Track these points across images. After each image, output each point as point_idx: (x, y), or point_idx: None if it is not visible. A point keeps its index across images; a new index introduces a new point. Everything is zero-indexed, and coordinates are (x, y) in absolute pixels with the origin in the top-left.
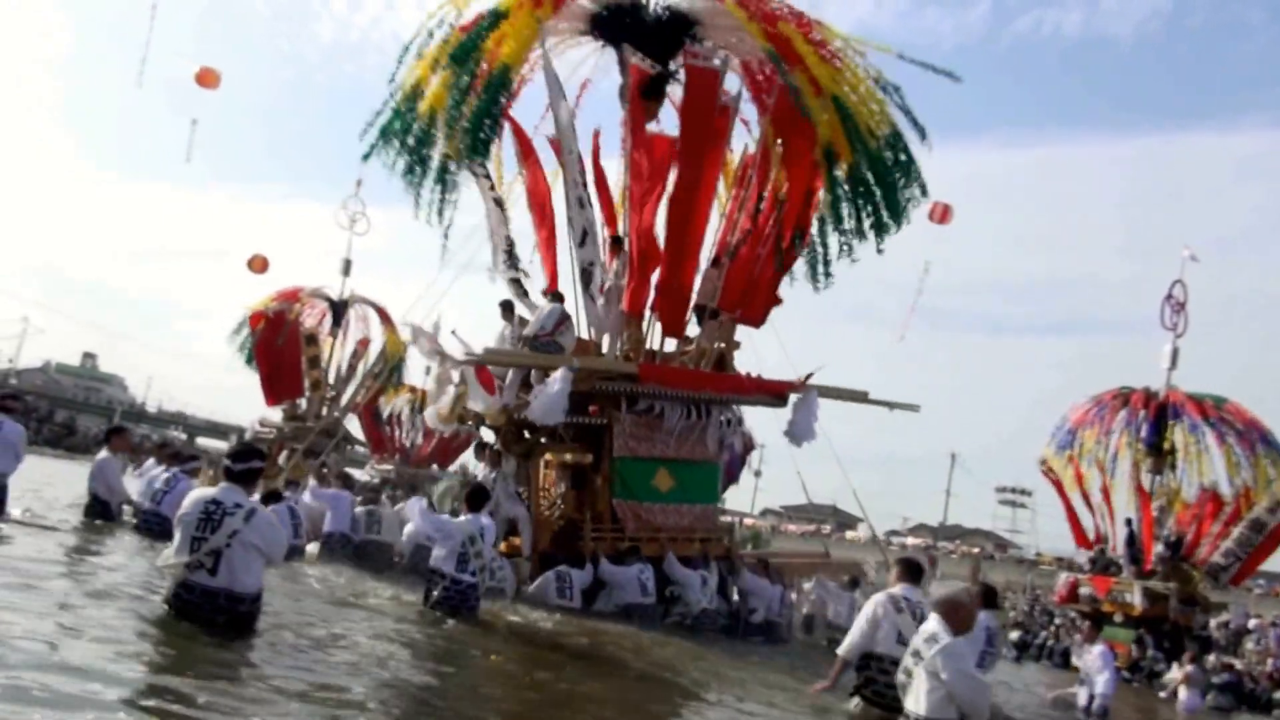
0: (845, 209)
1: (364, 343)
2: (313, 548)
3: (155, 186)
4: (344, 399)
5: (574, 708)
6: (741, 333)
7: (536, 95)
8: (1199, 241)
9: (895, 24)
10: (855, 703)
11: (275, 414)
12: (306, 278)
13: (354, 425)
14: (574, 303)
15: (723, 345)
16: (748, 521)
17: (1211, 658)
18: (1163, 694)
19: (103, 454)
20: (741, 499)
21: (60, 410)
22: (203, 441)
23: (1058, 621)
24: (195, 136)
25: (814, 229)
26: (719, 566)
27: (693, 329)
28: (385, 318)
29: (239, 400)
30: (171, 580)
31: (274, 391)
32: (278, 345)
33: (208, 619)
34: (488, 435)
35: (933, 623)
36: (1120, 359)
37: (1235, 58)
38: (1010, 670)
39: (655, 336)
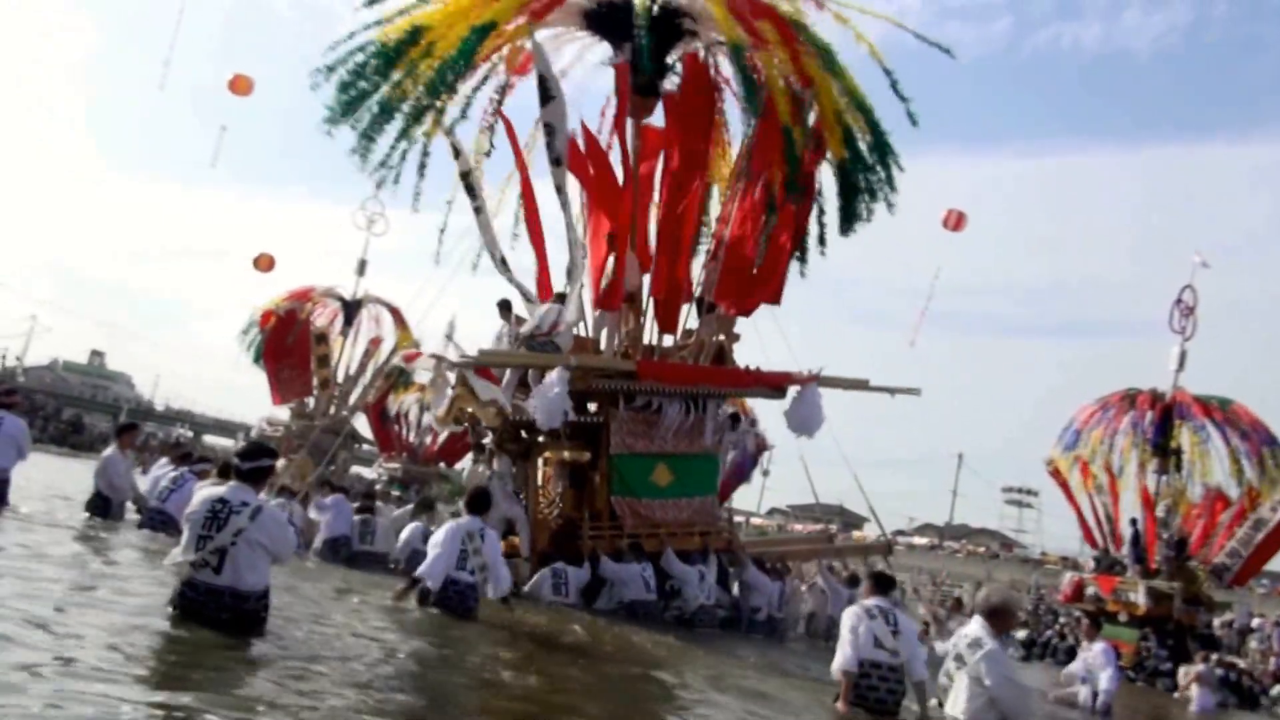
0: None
1: (375, 342)
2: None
3: (171, 186)
4: (352, 398)
5: (568, 709)
6: (749, 334)
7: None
8: (1209, 248)
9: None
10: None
11: (283, 413)
12: (323, 279)
13: (362, 424)
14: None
15: (722, 338)
16: (755, 521)
17: (1214, 656)
18: (1175, 694)
19: (110, 450)
20: (749, 498)
21: (67, 408)
22: (209, 440)
23: (1062, 620)
24: (222, 143)
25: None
26: (720, 559)
27: (693, 321)
28: (398, 317)
29: (247, 398)
30: (177, 579)
31: (281, 390)
32: (287, 344)
33: (212, 617)
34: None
35: (976, 626)
36: (1127, 361)
37: (1250, 71)
38: (1016, 669)
39: (654, 331)
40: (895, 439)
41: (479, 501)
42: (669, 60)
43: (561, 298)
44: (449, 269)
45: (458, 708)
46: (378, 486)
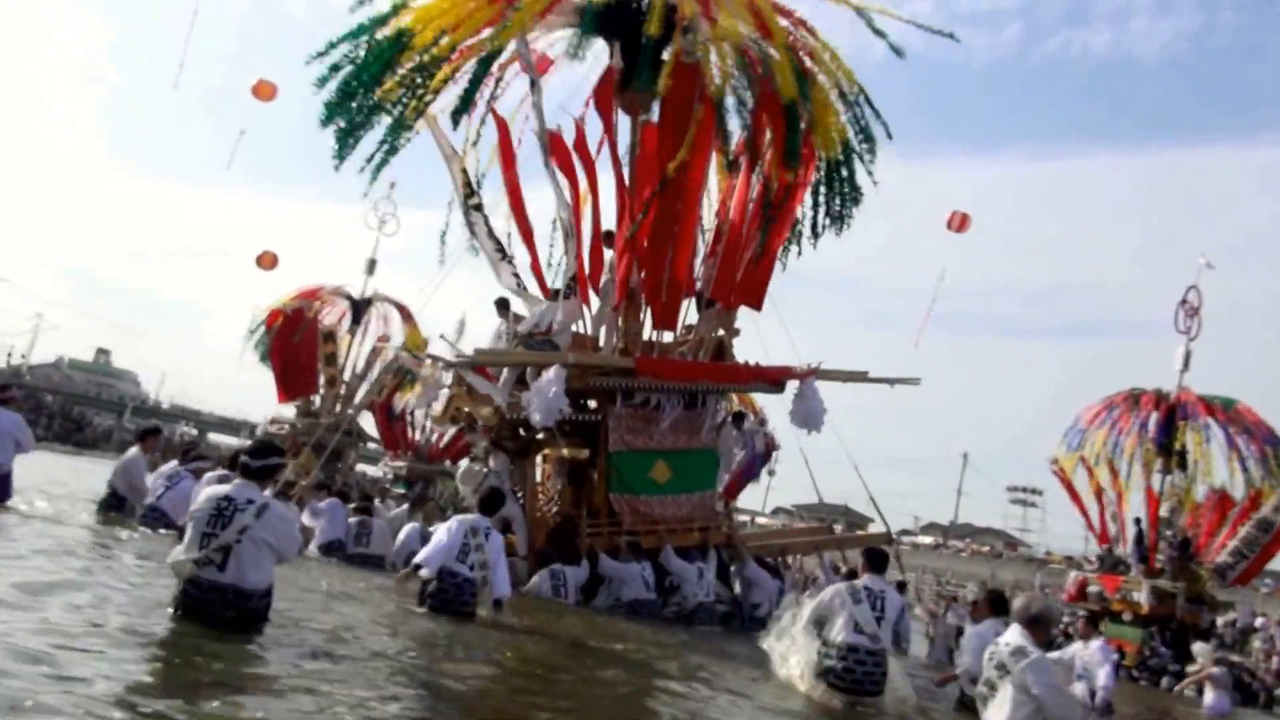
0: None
1: (383, 340)
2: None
3: (181, 185)
4: (358, 396)
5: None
6: (751, 334)
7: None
8: (1213, 250)
9: (927, 41)
10: (820, 690)
11: (288, 410)
12: (332, 278)
13: (368, 423)
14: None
15: (722, 333)
16: (760, 520)
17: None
18: (1189, 693)
19: (133, 452)
20: (754, 498)
21: (72, 406)
22: (214, 438)
23: (1067, 620)
24: (239, 146)
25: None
26: (720, 555)
27: (693, 317)
28: (407, 316)
29: (254, 396)
30: (179, 577)
31: (287, 388)
32: (294, 342)
33: (215, 615)
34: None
35: (1016, 635)
36: (1131, 361)
37: (1255, 77)
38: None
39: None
40: (901, 439)
41: (491, 503)
42: (664, 56)
43: (559, 294)
44: (450, 268)
45: (458, 707)
46: (387, 482)
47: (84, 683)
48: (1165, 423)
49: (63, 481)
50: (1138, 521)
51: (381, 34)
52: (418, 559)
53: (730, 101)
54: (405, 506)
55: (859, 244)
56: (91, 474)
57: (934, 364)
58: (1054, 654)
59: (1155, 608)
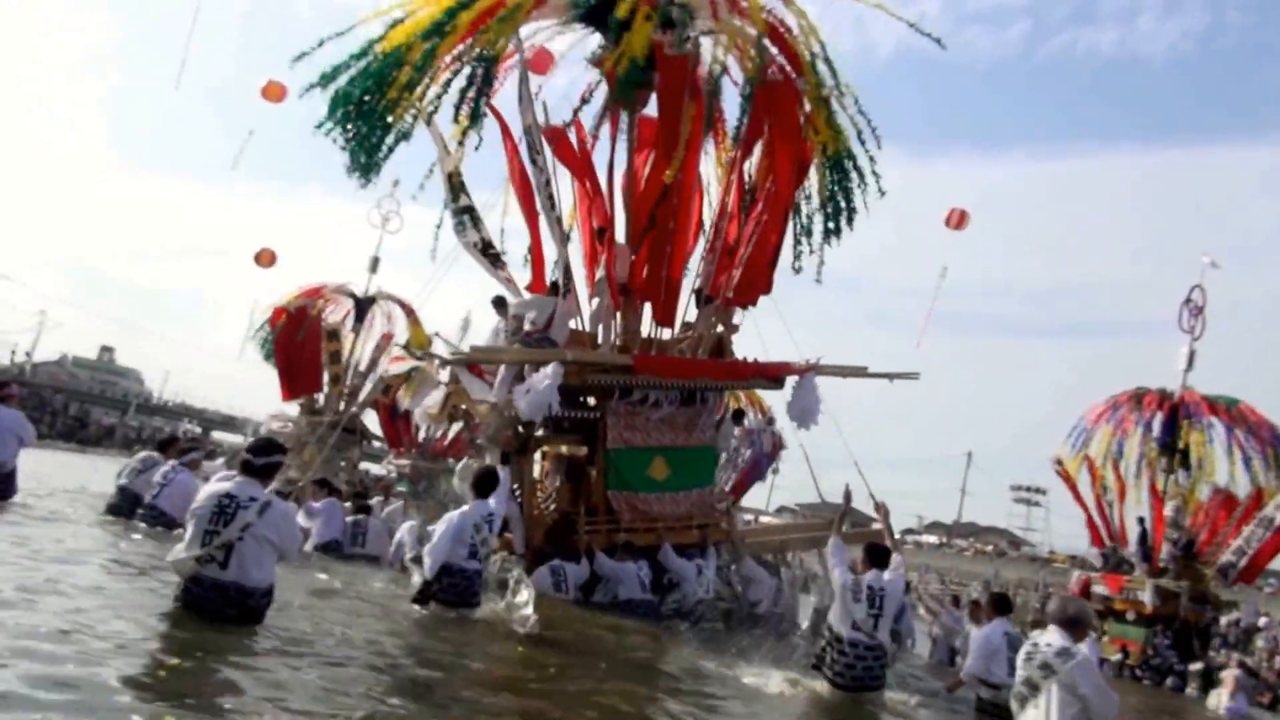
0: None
1: (387, 338)
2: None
3: (185, 183)
4: (362, 394)
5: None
6: (752, 334)
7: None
8: (1217, 250)
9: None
10: (822, 683)
11: (292, 408)
12: (335, 276)
13: (372, 420)
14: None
15: (721, 329)
16: (764, 519)
17: (1236, 658)
18: (1210, 702)
19: (149, 455)
20: (758, 496)
21: (75, 403)
22: (218, 435)
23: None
24: (246, 147)
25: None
26: (719, 552)
27: (692, 313)
28: (410, 314)
29: (258, 394)
30: (181, 575)
31: (291, 386)
32: (298, 340)
33: (217, 612)
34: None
35: (1057, 636)
36: (1135, 361)
37: (1261, 77)
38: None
39: (652, 324)
40: (905, 438)
41: (486, 483)
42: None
43: (555, 288)
44: (448, 266)
45: (457, 707)
46: (390, 480)
47: (86, 682)
48: (1169, 422)
49: (66, 479)
50: (1141, 521)
51: (377, 52)
52: (427, 569)
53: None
54: (400, 504)
55: (863, 244)
56: (95, 472)
57: (938, 363)
58: None
59: (1159, 607)
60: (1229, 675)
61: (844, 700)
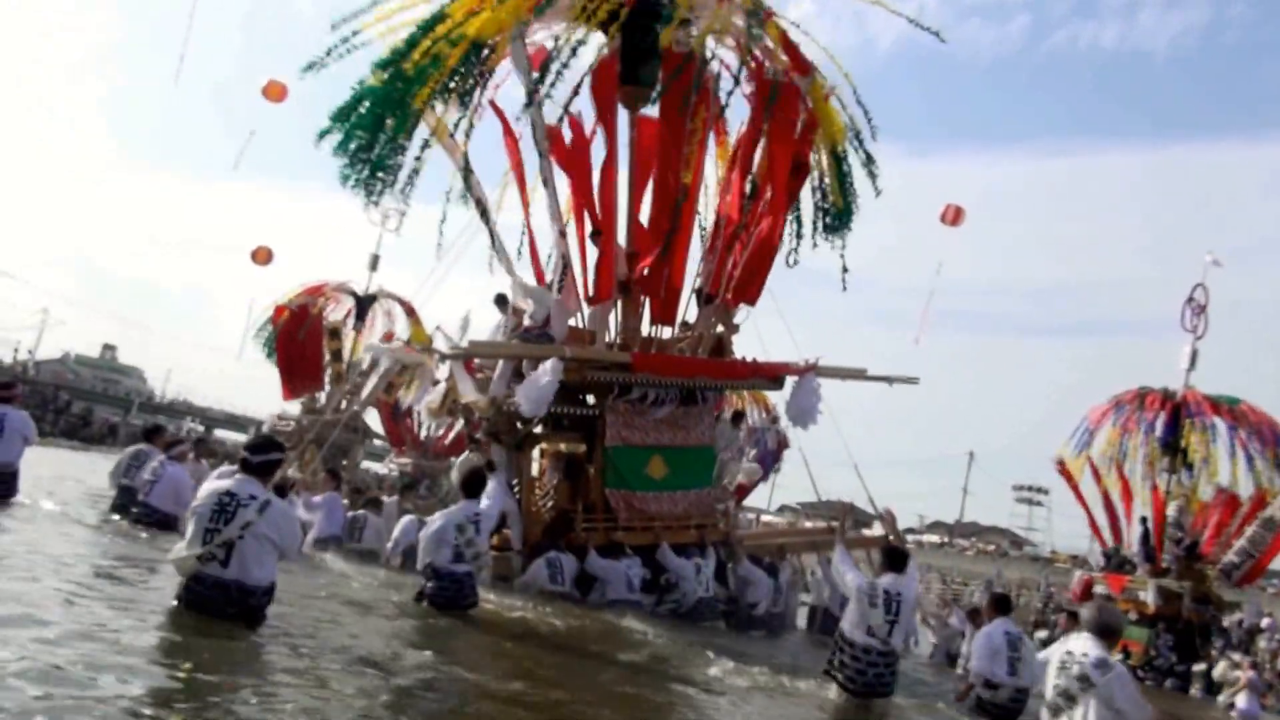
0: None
1: (388, 337)
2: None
3: (187, 180)
4: (364, 393)
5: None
6: (752, 333)
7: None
8: (1221, 248)
9: (935, 36)
10: (833, 689)
11: (294, 407)
12: (338, 273)
13: (373, 419)
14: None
15: (721, 330)
16: (765, 518)
17: (1240, 659)
18: (1220, 698)
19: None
20: (760, 495)
21: (78, 401)
22: (220, 434)
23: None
24: (248, 146)
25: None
26: (718, 553)
27: (693, 313)
28: (410, 312)
29: (260, 392)
30: (182, 573)
31: (293, 385)
32: (299, 338)
33: (219, 611)
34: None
35: (1093, 645)
36: (1138, 360)
37: (1267, 73)
38: None
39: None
40: (906, 438)
41: (474, 483)
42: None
43: (552, 286)
44: (454, 264)
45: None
46: (393, 479)
47: (88, 681)
48: (1171, 422)
49: (69, 477)
50: (1143, 521)
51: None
52: (422, 570)
53: (725, 87)
54: (395, 498)
55: (865, 242)
56: (97, 470)
57: (940, 362)
58: (1041, 654)
59: (1161, 607)
60: (1241, 677)
61: (852, 705)
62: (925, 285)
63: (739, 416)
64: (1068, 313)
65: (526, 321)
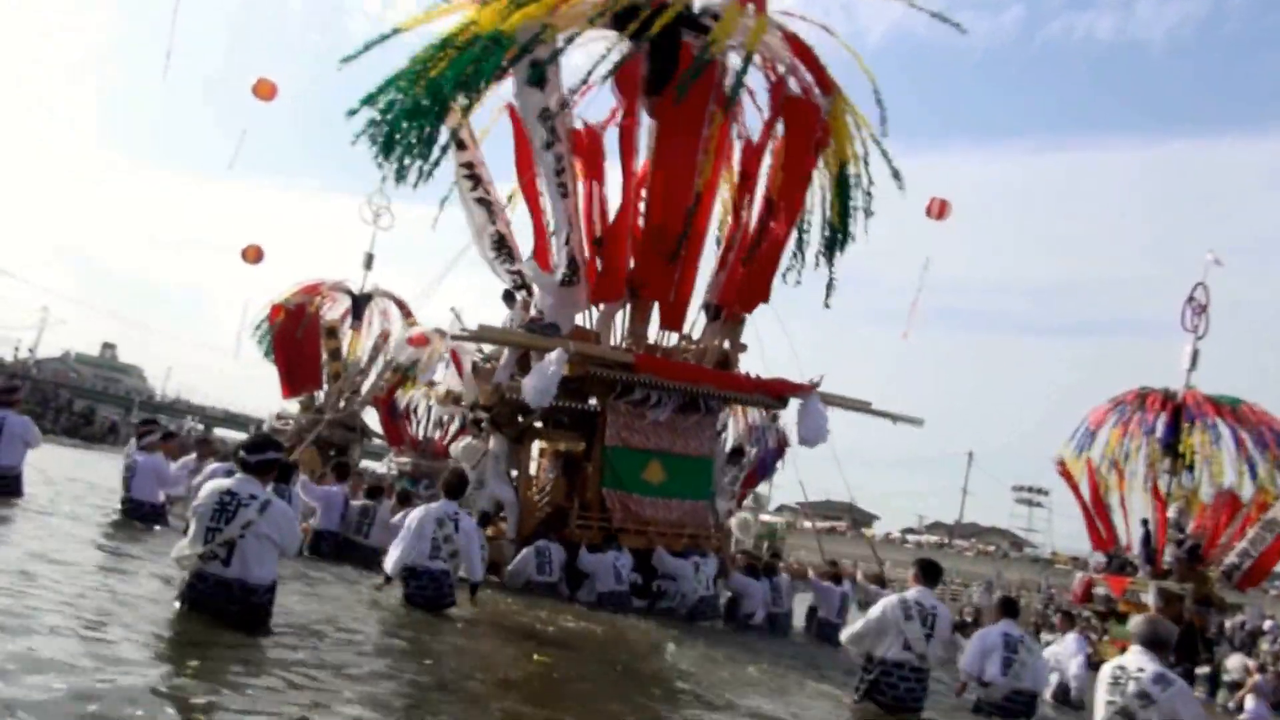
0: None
1: (384, 335)
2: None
3: (183, 178)
4: (362, 392)
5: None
6: (750, 335)
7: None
8: (1224, 246)
9: (929, 27)
10: (864, 704)
11: (293, 406)
12: (335, 271)
13: (371, 418)
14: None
15: (728, 346)
16: (764, 518)
17: (1236, 658)
18: (1230, 704)
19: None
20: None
21: (78, 400)
22: (220, 432)
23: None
24: (242, 146)
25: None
26: (722, 561)
27: (697, 325)
28: (406, 311)
29: (259, 391)
30: (184, 572)
31: (291, 383)
32: (297, 338)
33: (220, 609)
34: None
35: (1148, 660)
36: (1139, 359)
37: (1267, 65)
38: None
39: (660, 331)
40: (905, 438)
41: (455, 486)
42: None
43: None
44: (453, 264)
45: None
46: (391, 478)
47: (90, 682)
48: (1172, 423)
49: (71, 477)
50: (1144, 523)
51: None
52: (388, 568)
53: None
54: (392, 501)
55: (864, 242)
56: (98, 468)
57: (939, 361)
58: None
59: (1162, 609)
60: (1249, 680)
61: (876, 715)
62: (927, 283)
63: (738, 453)
64: (1068, 311)
65: (533, 313)
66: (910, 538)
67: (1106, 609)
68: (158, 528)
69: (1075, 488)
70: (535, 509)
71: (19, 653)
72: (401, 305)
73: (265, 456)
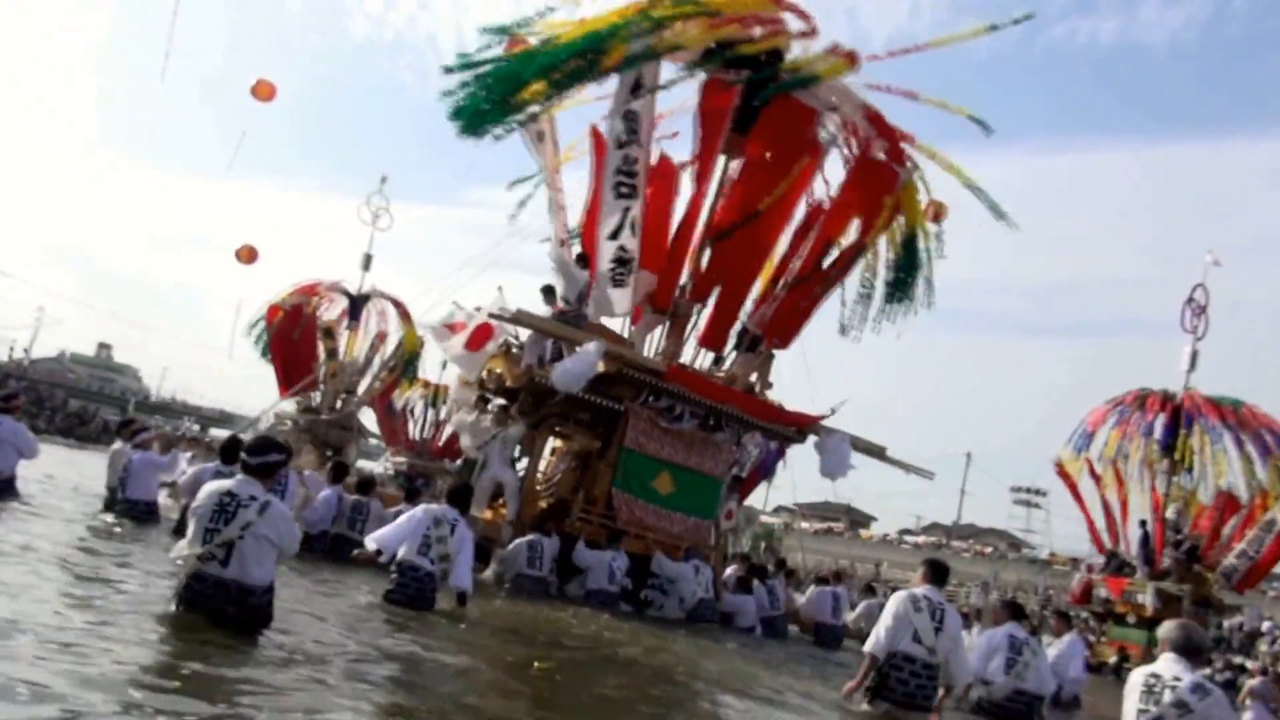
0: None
1: (381, 336)
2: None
3: (183, 179)
4: (359, 392)
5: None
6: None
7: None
8: (1224, 247)
9: (931, 31)
10: (876, 703)
11: (289, 406)
12: (333, 272)
13: (368, 418)
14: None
15: (756, 379)
16: (762, 519)
17: (1248, 665)
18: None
19: (116, 444)
20: (756, 496)
21: (74, 400)
22: (217, 433)
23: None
24: (240, 147)
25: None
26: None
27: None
28: (403, 312)
29: (258, 392)
30: (183, 572)
31: (289, 384)
32: (293, 338)
33: (218, 610)
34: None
35: (1182, 668)
36: (1139, 360)
37: (1271, 67)
38: None
39: (691, 351)
40: (904, 438)
41: (459, 496)
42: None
43: (585, 261)
44: (451, 266)
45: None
46: (387, 478)
47: (89, 680)
48: (1171, 424)
49: (66, 477)
50: (1143, 524)
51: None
52: (371, 538)
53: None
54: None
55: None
56: (91, 468)
57: (938, 362)
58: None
59: (1160, 610)
60: (1246, 684)
61: (887, 714)
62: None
63: (739, 481)
64: (1068, 312)
65: (560, 304)
66: (908, 539)
67: (1104, 610)
68: (154, 530)
69: (1074, 488)
70: (538, 497)
71: (7, 652)
72: (399, 306)
73: (267, 459)
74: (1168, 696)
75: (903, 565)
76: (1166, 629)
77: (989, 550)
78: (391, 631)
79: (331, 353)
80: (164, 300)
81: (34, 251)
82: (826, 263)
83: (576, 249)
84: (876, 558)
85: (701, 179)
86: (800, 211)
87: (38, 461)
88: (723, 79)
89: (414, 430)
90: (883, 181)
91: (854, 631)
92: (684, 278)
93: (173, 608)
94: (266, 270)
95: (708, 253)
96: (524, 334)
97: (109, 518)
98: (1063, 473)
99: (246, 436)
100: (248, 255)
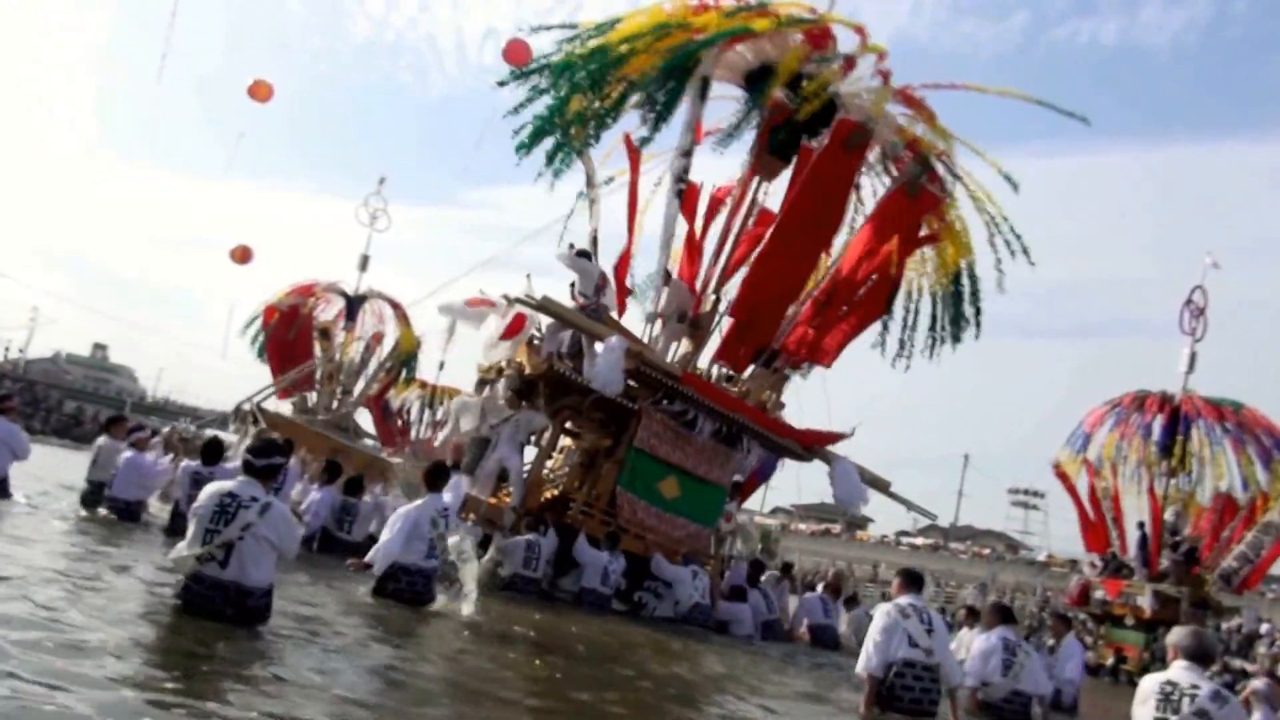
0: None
1: (378, 337)
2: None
3: (182, 179)
4: (355, 393)
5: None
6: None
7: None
8: (1224, 248)
9: (932, 33)
10: (887, 715)
11: (286, 407)
12: (329, 273)
13: (364, 419)
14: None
15: (770, 397)
16: (759, 520)
17: (1247, 667)
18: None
19: (102, 440)
20: (753, 497)
21: (69, 401)
22: (211, 434)
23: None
24: (237, 149)
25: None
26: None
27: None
28: (400, 313)
29: (251, 391)
30: (181, 573)
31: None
32: (289, 339)
33: (217, 611)
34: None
35: (1198, 676)
36: (1138, 362)
37: (1272, 69)
38: None
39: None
40: (902, 439)
41: (436, 476)
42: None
43: (587, 255)
44: (456, 265)
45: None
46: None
47: (88, 679)
48: (1169, 426)
49: (62, 477)
50: (1141, 525)
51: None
52: (373, 559)
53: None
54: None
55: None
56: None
57: (936, 362)
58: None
59: (1158, 612)
60: (1251, 688)
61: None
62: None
63: (738, 487)
64: (1067, 314)
65: (579, 299)
66: (905, 540)
67: (1102, 612)
68: (138, 530)
69: (1073, 490)
70: (543, 486)
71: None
72: (396, 306)
73: (271, 461)
74: (1187, 705)
75: (900, 567)
76: (1177, 636)
77: (987, 552)
78: (391, 631)
79: (328, 353)
80: (162, 301)
81: (33, 252)
82: (864, 289)
83: (579, 245)
84: (874, 559)
85: (738, 203)
86: (843, 235)
87: (30, 462)
88: (784, 103)
89: (411, 431)
90: (927, 210)
91: (843, 642)
92: (712, 293)
93: (173, 605)
94: (265, 271)
95: (742, 271)
96: (544, 324)
97: (102, 510)
98: (1061, 474)
99: (215, 431)
100: (242, 255)
